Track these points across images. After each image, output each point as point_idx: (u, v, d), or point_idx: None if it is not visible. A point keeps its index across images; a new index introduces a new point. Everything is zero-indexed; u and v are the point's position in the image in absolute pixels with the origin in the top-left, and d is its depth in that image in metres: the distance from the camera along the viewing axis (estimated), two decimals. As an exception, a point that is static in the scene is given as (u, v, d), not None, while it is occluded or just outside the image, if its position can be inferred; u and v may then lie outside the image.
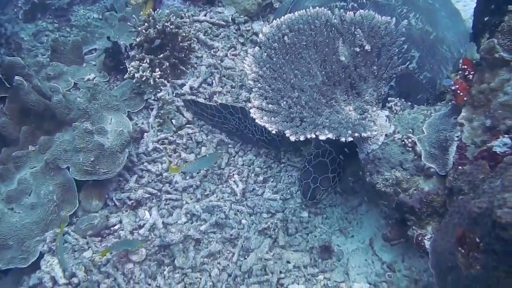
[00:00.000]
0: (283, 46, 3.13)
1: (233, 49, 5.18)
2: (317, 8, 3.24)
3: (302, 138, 2.70)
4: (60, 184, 3.99)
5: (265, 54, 3.09)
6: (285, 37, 3.13)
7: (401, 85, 3.42)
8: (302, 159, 4.32)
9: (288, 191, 4.18)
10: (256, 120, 2.79)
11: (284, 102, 2.89)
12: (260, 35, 3.12)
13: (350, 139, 2.75)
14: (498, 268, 1.87)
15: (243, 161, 4.44)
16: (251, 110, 2.84)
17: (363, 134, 2.79)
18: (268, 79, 3.00)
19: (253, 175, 4.34)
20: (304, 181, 3.59)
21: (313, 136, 2.71)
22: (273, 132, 2.76)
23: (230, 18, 5.34)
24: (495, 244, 1.86)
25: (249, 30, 5.26)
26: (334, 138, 2.74)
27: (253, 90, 2.97)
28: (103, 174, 3.98)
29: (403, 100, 3.36)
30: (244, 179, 4.29)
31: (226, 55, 5.10)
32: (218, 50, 5.11)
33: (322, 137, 2.70)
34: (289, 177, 4.28)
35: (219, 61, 5.00)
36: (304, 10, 3.22)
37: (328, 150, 3.60)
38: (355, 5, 3.66)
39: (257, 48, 3.11)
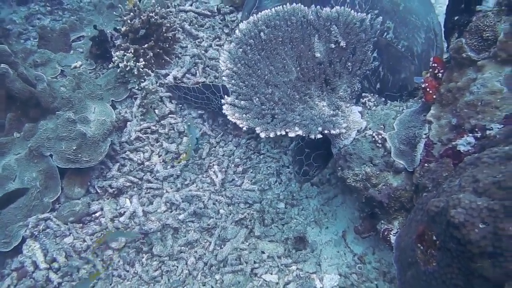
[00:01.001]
0: (259, 42, 3.17)
1: (217, 39, 5.22)
2: (294, 4, 3.29)
3: (272, 135, 2.76)
4: (43, 171, 4.05)
5: (241, 50, 3.14)
6: (261, 33, 3.17)
7: (383, 55, 3.47)
8: (281, 151, 4.39)
9: (266, 182, 4.25)
10: (228, 117, 2.85)
11: (257, 99, 2.95)
12: (237, 31, 3.16)
13: (319, 136, 2.81)
14: (451, 265, 1.94)
15: (223, 151, 4.51)
16: (224, 107, 2.90)
17: (332, 132, 2.85)
18: (243, 75, 3.05)
19: (233, 165, 4.42)
20: (298, 157, 3.55)
21: (283, 133, 2.77)
22: (244, 128, 2.82)
23: (215, 8, 5.37)
24: (449, 242, 1.94)
25: (234, 21, 5.29)
26: (304, 135, 2.81)
27: (227, 86, 3.02)
28: (85, 162, 4.04)
29: (376, 96, 3.43)
30: (223, 169, 4.36)
31: (211, 45, 5.14)
32: (203, 40, 5.15)
33: (291, 134, 2.76)
34: (268, 168, 4.36)
35: (203, 51, 5.04)
36: (281, 6, 3.26)
37: None
38: None
39: (232, 44, 3.15)
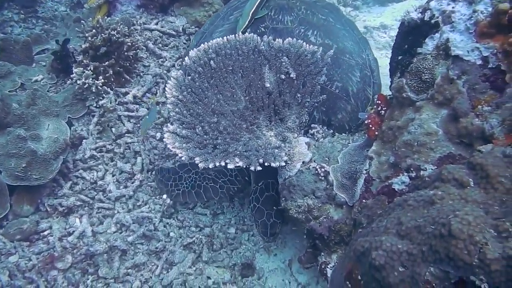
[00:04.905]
0: (209, 70, 3.19)
1: (181, 59, 5.22)
2: (247, 34, 3.32)
3: (211, 166, 2.77)
4: (-8, 187, 3.99)
5: (189, 77, 3.15)
6: (211, 62, 3.19)
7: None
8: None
9: (219, 206, 4.25)
10: (168, 146, 2.85)
11: (200, 128, 2.95)
12: (186, 59, 3.17)
13: (259, 168, 2.83)
14: (373, 306, 1.96)
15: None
16: (165, 135, 2.90)
17: (272, 164, 2.87)
18: (188, 103, 3.05)
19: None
20: (260, 220, 3.52)
21: (223, 164, 2.78)
22: (183, 158, 2.82)
23: (181, 28, 5.39)
24: (371, 283, 1.97)
25: (199, 41, 5.30)
26: (244, 166, 2.82)
27: (171, 114, 3.02)
28: (34, 180, 3.99)
29: (325, 127, 3.46)
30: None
31: (174, 65, 5.14)
32: (166, 60, 5.16)
33: (230, 166, 2.78)
34: (222, 192, 4.35)
35: (165, 71, 5.04)
36: (233, 35, 3.29)
37: (270, 182, 3.56)
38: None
39: (180, 72, 3.16)
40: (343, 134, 3.43)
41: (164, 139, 2.89)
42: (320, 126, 3.45)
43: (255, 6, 3.76)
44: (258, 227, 3.59)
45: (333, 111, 3.53)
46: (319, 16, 3.90)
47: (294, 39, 3.29)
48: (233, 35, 3.29)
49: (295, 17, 3.79)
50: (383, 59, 4.41)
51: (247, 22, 3.71)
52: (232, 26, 3.94)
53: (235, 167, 2.83)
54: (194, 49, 3.23)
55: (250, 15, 3.72)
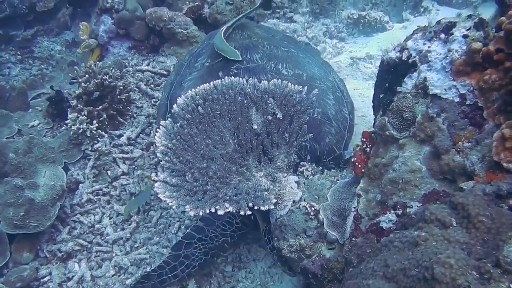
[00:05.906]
0: (197, 116, 3.26)
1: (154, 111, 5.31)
2: (232, 77, 3.40)
3: (201, 213, 2.83)
4: (-9, 237, 4.06)
5: (178, 125, 3.21)
6: (199, 107, 3.26)
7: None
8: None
9: (215, 245, 4.28)
10: (159, 195, 2.91)
11: (190, 175, 3.01)
12: (174, 106, 3.24)
13: (249, 212, 2.88)
14: None
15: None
16: (155, 184, 2.95)
17: (262, 208, 2.92)
18: (178, 150, 3.11)
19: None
20: (284, 259, 3.41)
21: (213, 210, 2.83)
22: (174, 207, 2.88)
23: (171, 68, 5.48)
24: (360, 326, 2.00)
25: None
26: (234, 212, 2.88)
27: (161, 163, 3.09)
28: (33, 228, 4.07)
29: (313, 165, 3.52)
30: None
31: (165, 105, 5.23)
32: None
33: (220, 212, 2.83)
34: (217, 230, 4.39)
35: (158, 111, 5.12)
36: (219, 80, 3.36)
37: None
38: None
39: (169, 120, 3.23)
40: (332, 170, 3.49)
41: (155, 189, 2.95)
42: (309, 163, 3.51)
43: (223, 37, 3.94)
44: (283, 264, 3.52)
45: (320, 137, 3.63)
46: (282, 49, 4.03)
47: (279, 80, 3.36)
48: (219, 80, 3.36)
49: (263, 54, 3.91)
50: (371, 90, 4.46)
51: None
52: (200, 73, 4.02)
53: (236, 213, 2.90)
54: (182, 96, 3.30)
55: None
